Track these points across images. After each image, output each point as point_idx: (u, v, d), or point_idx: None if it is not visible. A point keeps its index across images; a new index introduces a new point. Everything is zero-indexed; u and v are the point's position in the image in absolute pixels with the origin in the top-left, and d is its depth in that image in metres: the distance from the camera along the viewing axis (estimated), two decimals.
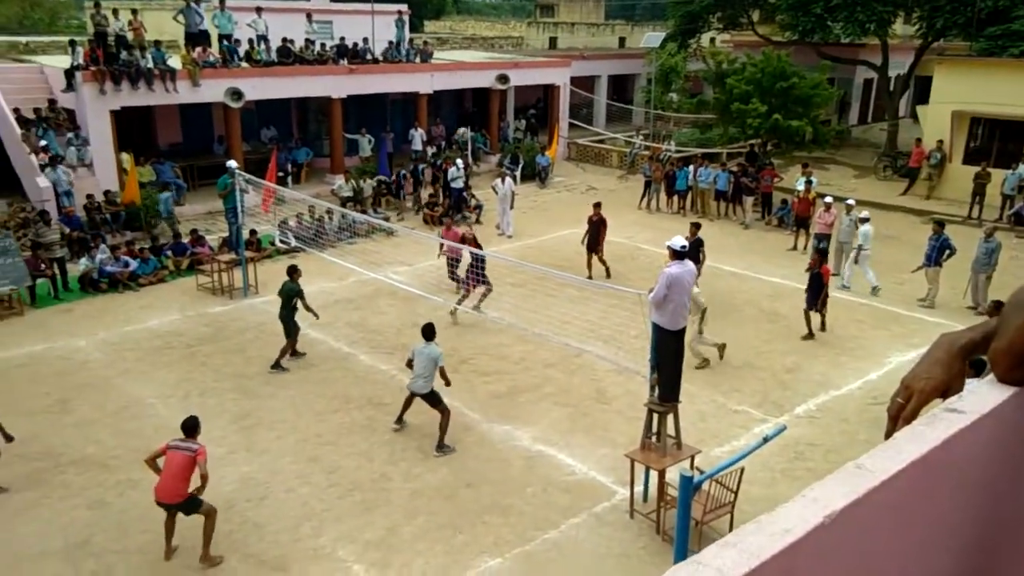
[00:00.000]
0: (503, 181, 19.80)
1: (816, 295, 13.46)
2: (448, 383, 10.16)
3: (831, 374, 12.47)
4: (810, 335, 13.63)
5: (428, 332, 10.14)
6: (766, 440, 5.52)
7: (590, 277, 15.89)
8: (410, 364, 10.16)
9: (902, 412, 1.59)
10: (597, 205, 16.74)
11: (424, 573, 7.89)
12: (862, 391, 11.91)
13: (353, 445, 10.19)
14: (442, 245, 15.06)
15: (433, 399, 10.05)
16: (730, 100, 23.49)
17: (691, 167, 22.45)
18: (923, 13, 27.40)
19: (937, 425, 1.33)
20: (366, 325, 14.13)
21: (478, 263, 13.69)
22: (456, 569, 7.94)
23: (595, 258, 16.54)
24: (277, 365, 12.22)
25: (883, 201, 23.05)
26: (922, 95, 28.75)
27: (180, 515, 7.95)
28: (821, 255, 13.94)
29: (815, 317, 13.69)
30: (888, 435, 1.51)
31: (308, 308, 12.32)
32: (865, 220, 16.06)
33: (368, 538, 8.38)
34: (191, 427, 8.06)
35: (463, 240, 14.45)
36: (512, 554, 8.18)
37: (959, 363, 1.62)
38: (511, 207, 19.93)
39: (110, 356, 12.73)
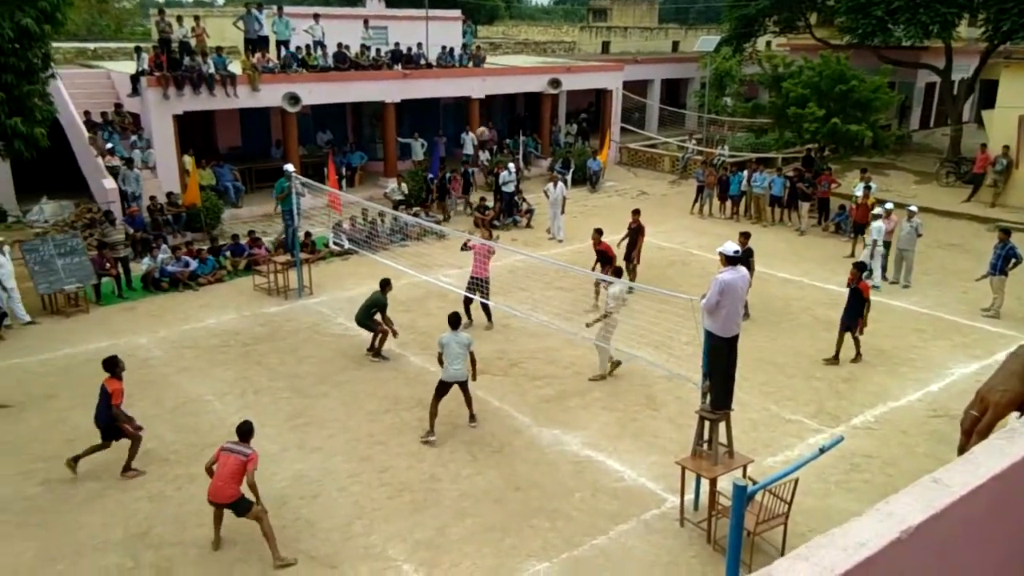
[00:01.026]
0: (555, 185, 19.79)
1: (855, 314, 12.50)
2: (475, 366, 10.64)
3: (889, 385, 12.15)
4: (835, 359, 12.70)
5: (455, 321, 10.65)
6: (822, 451, 5.40)
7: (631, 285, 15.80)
8: (440, 360, 10.49)
9: (976, 425, 1.55)
10: (636, 212, 16.30)
11: (472, 575, 7.92)
12: (922, 403, 11.58)
13: (403, 446, 10.29)
14: (465, 245, 14.30)
15: (467, 384, 10.51)
16: (786, 104, 23.06)
17: (745, 172, 22.15)
18: (989, 15, 26.52)
19: (1017, 440, 1.29)
20: (416, 327, 14.25)
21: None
22: (504, 572, 7.96)
23: (632, 265, 16.30)
24: (377, 353, 12.87)
25: (946, 208, 22.42)
26: (987, 99, 27.86)
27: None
28: (859, 269, 12.72)
29: (849, 339, 12.70)
30: (961, 450, 1.47)
31: (387, 321, 12.78)
32: (878, 216, 16.27)
33: (418, 538, 8.45)
34: (246, 432, 8.21)
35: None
36: (560, 559, 8.16)
37: None
38: (562, 212, 19.90)
39: (170, 354, 13.09)
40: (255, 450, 8.16)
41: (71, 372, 12.34)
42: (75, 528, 8.57)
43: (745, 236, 14.36)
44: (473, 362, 10.61)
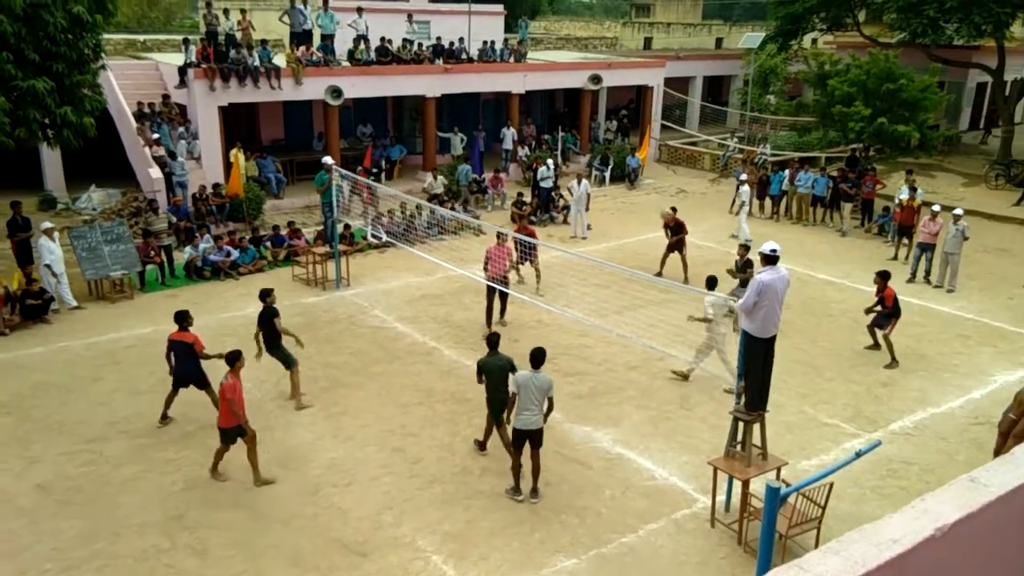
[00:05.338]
0: (579, 183, 19.72)
1: (887, 317, 12.62)
2: (547, 416, 8.86)
3: (930, 390, 11.90)
4: (876, 346, 12.98)
5: (539, 359, 8.76)
6: (859, 455, 5.32)
7: (659, 274, 15.76)
8: (511, 405, 8.89)
9: (1014, 428, 1.51)
10: (673, 209, 16.88)
11: (500, 567, 7.94)
12: (963, 410, 11.32)
13: (435, 438, 10.34)
14: (486, 265, 13.63)
15: (541, 437, 8.86)
16: (832, 102, 22.67)
17: (787, 171, 21.84)
18: None
19: None
20: (451, 321, 14.32)
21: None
22: (531, 566, 7.97)
23: (672, 257, 16.51)
24: None
25: (994, 212, 21.85)
26: None
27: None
28: (882, 278, 12.69)
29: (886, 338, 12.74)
30: (997, 452, 1.45)
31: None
32: (743, 182, 19.46)
33: (447, 530, 8.50)
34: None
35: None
36: (588, 556, 8.14)
37: None
38: (586, 209, 19.83)
39: (210, 341, 13.18)
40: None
41: (115, 356, 12.62)
42: (114, 509, 8.77)
43: (744, 248, 14.76)
44: (548, 411, 8.81)
